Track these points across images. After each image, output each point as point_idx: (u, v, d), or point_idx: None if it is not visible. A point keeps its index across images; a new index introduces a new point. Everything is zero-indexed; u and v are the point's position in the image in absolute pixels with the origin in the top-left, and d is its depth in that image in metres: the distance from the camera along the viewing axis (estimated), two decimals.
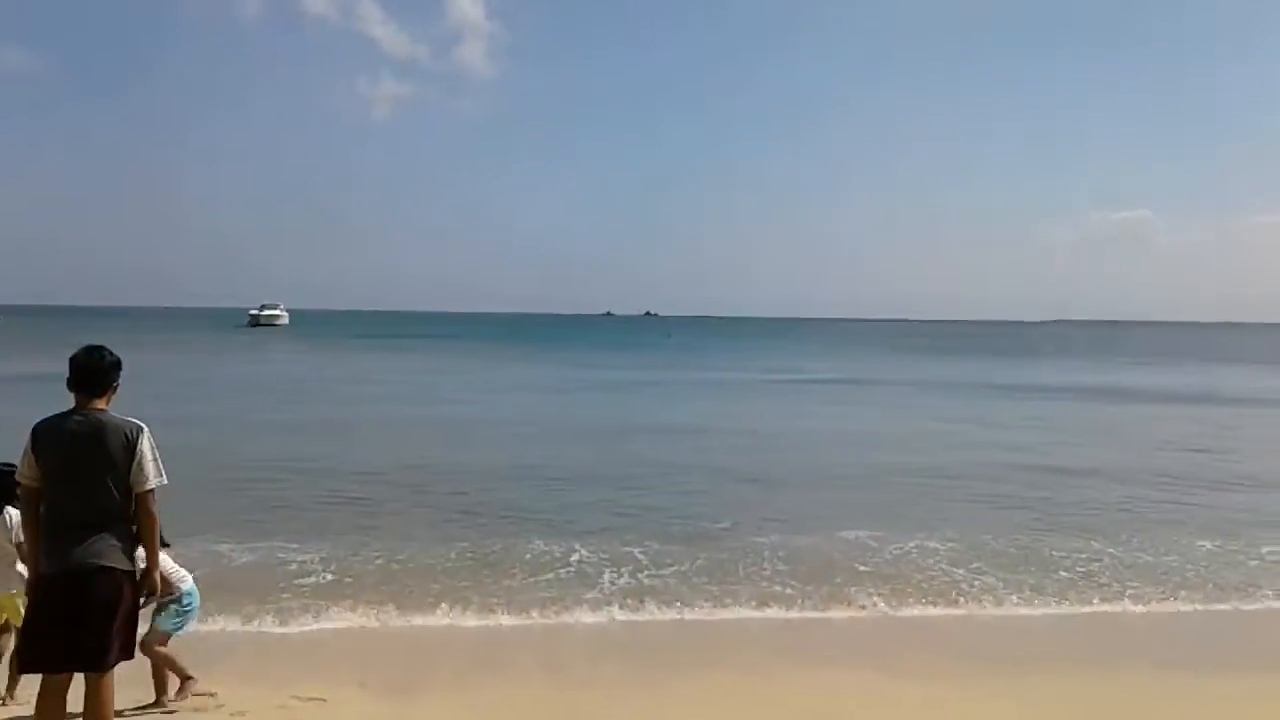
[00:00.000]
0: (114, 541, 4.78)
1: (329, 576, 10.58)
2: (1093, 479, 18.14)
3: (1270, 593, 10.68)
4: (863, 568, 11.33)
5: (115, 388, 5.00)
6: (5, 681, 6.38)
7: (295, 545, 11.88)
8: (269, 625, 9.00)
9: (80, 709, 4.94)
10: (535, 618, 9.41)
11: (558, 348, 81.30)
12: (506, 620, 9.31)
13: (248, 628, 8.87)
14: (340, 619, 9.19)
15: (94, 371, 4.91)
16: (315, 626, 8.99)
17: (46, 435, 4.80)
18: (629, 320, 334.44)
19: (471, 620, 9.30)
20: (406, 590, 10.10)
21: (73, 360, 4.93)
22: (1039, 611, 9.95)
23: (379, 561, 11.20)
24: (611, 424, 26.48)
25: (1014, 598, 10.34)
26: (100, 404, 4.90)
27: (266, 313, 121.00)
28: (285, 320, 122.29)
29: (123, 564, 4.81)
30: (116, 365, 5.00)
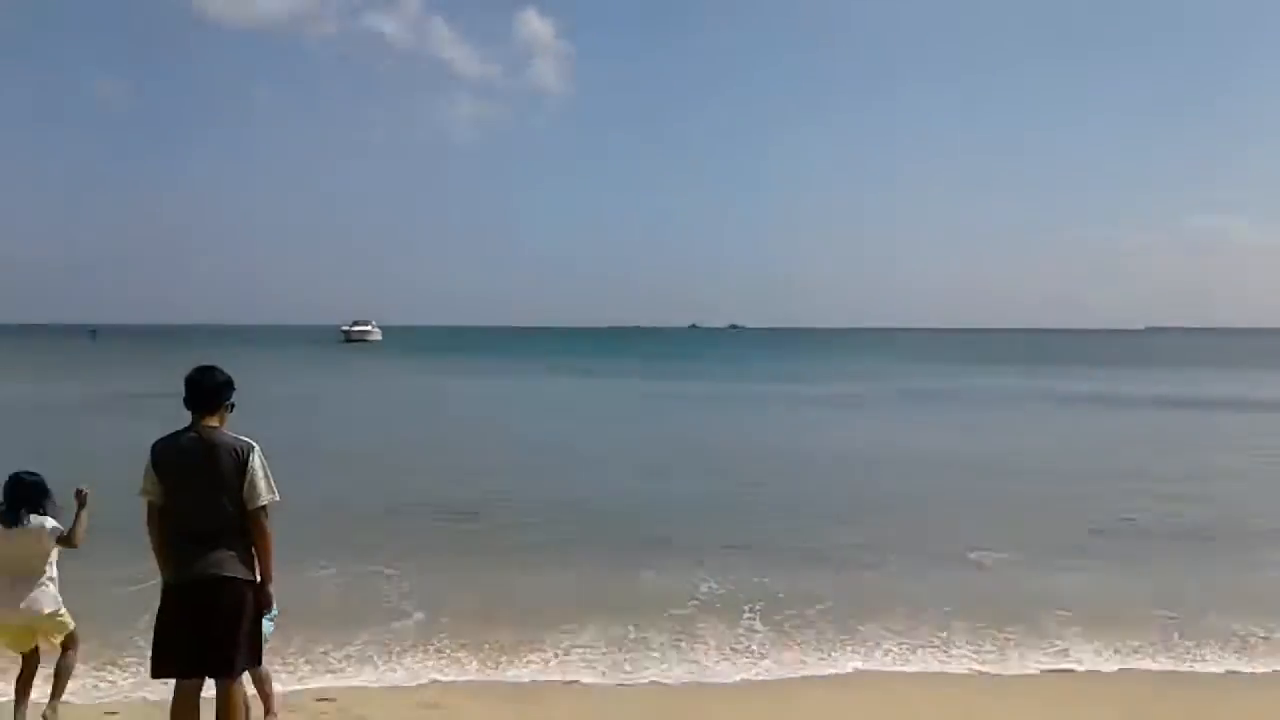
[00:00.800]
0: (232, 553, 4.89)
1: (420, 615, 9.30)
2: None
3: None
4: (1062, 611, 9.57)
5: (229, 405, 5.10)
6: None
7: (392, 571, 10.80)
8: (355, 674, 7.77)
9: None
10: (671, 672, 7.93)
11: (647, 361, 79.54)
12: (630, 675, 7.85)
13: (326, 679, 7.64)
14: (425, 669, 7.91)
15: (206, 390, 5.03)
16: (393, 684, 7.60)
17: (163, 452, 4.92)
18: (711, 333, 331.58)
19: (588, 674, 7.84)
20: (507, 634, 8.73)
21: (187, 380, 5.04)
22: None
23: (480, 597, 9.91)
24: (700, 443, 25.07)
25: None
26: (213, 421, 5.01)
27: (358, 329, 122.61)
28: (378, 336, 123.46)
29: (243, 574, 4.92)
30: (228, 384, 5.10)
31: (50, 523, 5.88)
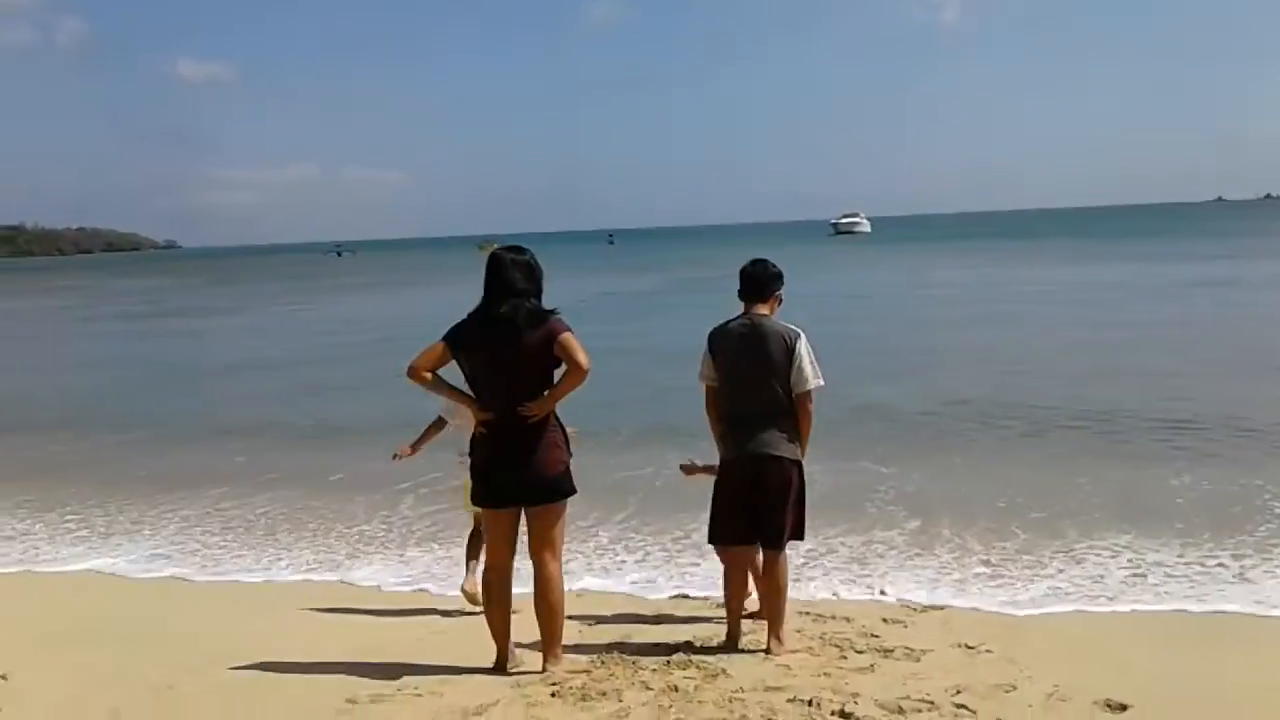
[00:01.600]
0: (782, 433, 5.20)
1: (914, 522, 8.34)
2: None
3: None
4: None
5: (779, 297, 5.43)
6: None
7: (889, 470, 10.00)
8: (824, 584, 7.05)
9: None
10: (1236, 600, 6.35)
11: (1175, 240, 68.82)
12: (1158, 602, 6.45)
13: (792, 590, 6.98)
14: (903, 584, 6.92)
15: (757, 280, 5.38)
16: (857, 598, 6.73)
17: (718, 339, 5.33)
18: (1241, 206, 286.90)
19: (1110, 597, 6.51)
20: (1012, 549, 7.57)
21: (741, 271, 5.42)
22: None
23: (991, 507, 8.68)
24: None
25: None
26: (763, 310, 5.33)
27: (846, 221, 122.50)
28: (867, 228, 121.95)
29: (790, 453, 5.23)
30: (778, 276, 5.44)
31: None
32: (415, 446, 6.38)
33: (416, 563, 7.93)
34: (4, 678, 5.24)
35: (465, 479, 6.05)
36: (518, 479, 4.89)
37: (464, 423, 5.58)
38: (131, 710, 4.75)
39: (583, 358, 4.71)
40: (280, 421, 14.89)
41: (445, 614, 6.48)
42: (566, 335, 4.75)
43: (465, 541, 6.50)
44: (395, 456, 6.42)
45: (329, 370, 20.90)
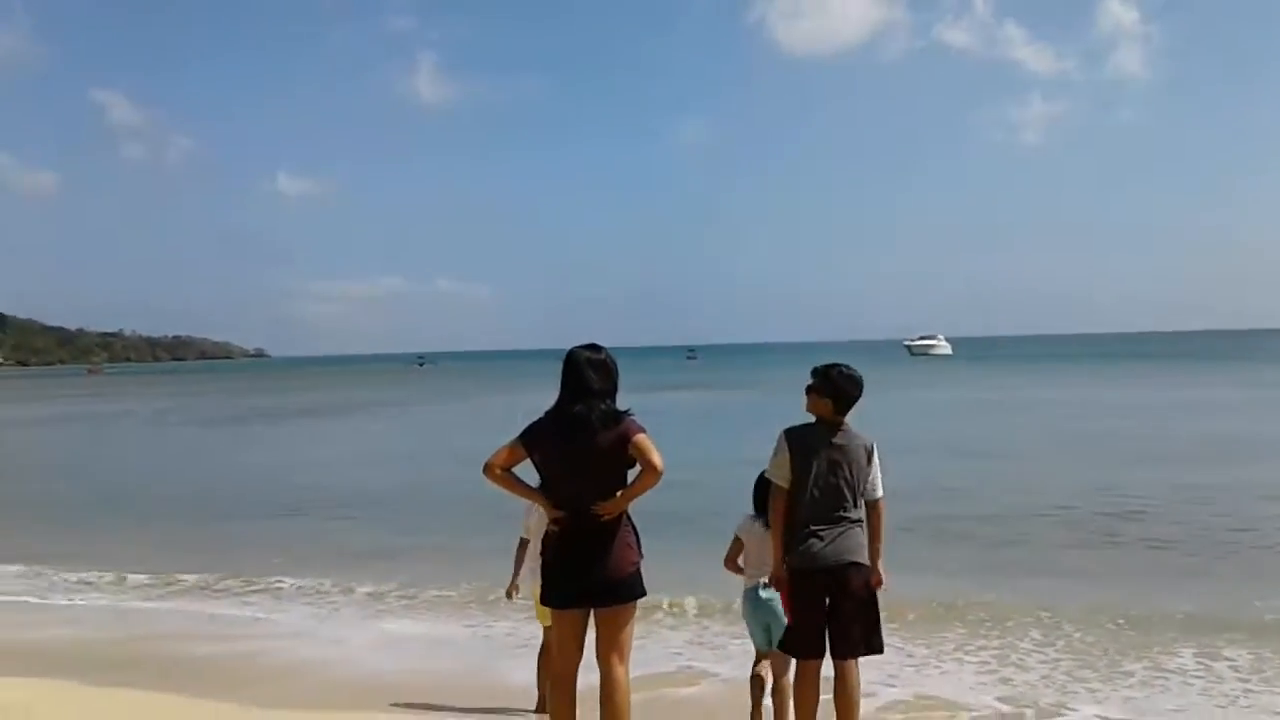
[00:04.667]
0: (860, 541, 5.20)
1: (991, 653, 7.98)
2: None
3: None
4: None
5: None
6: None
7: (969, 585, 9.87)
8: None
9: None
10: None
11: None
12: None
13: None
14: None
15: (848, 394, 5.28)
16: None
17: (802, 441, 5.21)
18: None
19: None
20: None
21: (831, 377, 5.33)
22: None
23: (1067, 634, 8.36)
24: None
25: None
26: (842, 418, 5.29)
27: (923, 343, 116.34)
28: (946, 350, 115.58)
29: (866, 559, 5.21)
30: (861, 390, 5.39)
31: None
32: (516, 576, 6.38)
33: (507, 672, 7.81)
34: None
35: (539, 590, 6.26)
36: (588, 579, 4.77)
37: (536, 528, 5.63)
38: None
39: (657, 459, 4.64)
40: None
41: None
42: (641, 436, 4.70)
43: (536, 659, 6.50)
44: (509, 596, 6.47)
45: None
